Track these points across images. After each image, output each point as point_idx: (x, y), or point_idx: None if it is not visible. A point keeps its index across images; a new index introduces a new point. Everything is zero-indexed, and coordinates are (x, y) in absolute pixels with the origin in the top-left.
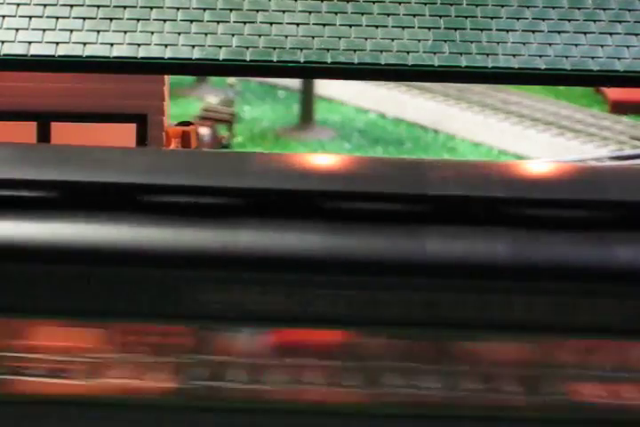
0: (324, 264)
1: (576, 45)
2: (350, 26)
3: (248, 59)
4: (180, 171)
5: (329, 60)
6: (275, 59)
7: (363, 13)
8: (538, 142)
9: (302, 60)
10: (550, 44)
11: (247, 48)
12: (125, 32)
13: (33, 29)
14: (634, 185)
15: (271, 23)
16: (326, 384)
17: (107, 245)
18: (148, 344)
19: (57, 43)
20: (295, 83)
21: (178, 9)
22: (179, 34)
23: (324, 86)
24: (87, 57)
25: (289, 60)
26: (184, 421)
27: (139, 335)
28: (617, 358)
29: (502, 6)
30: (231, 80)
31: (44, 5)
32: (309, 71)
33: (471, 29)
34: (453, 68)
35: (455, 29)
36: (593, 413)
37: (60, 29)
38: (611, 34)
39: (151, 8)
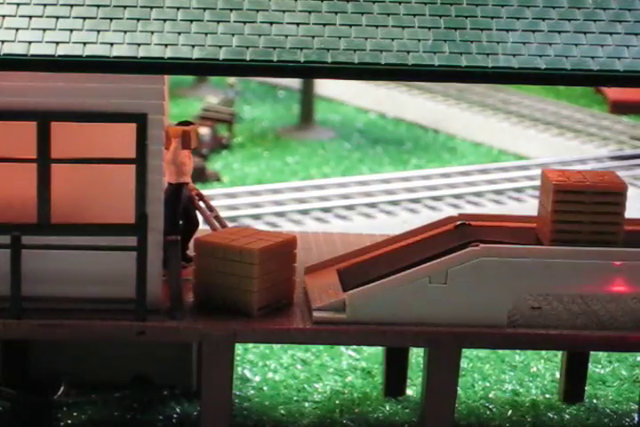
0: None
1: (576, 45)
2: (350, 26)
3: (248, 59)
4: None
5: (329, 60)
6: (275, 59)
7: (363, 13)
8: (538, 142)
9: (302, 60)
10: (550, 44)
11: (247, 48)
12: (125, 32)
13: (33, 29)
14: None
15: (271, 23)
16: None
17: None
18: None
19: (57, 42)
20: (295, 83)
21: (178, 9)
22: (179, 34)
23: (324, 86)
24: (87, 57)
25: (289, 60)
26: None
27: None
28: None
29: (502, 6)
30: (231, 80)
31: (44, 5)
32: (309, 71)
33: (471, 29)
34: (453, 68)
35: (455, 29)
36: None
37: (60, 29)
38: (611, 34)
39: (151, 8)
